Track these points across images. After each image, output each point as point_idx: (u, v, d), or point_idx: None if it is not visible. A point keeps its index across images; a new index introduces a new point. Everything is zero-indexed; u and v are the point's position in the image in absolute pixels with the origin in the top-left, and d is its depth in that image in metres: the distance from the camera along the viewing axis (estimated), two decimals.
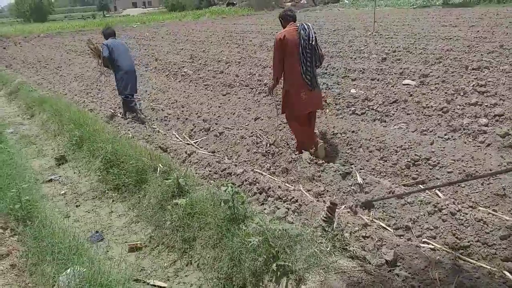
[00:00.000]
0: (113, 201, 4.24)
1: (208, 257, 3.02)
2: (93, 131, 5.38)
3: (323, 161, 4.31)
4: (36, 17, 50.60)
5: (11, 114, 8.11)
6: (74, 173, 5.01)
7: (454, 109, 5.31)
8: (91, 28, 28.89)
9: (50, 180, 4.85)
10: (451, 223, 3.05)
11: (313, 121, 4.77)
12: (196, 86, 8.74)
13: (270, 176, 4.21)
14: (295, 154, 4.51)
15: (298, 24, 4.44)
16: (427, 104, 5.56)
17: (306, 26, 4.35)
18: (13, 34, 26.02)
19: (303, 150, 4.55)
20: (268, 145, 4.85)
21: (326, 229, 2.83)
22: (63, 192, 4.53)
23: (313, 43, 4.34)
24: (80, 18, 49.31)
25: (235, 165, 4.45)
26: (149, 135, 5.66)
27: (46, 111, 7.21)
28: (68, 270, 2.53)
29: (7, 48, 19.95)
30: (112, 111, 7.08)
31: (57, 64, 13.43)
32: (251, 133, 5.51)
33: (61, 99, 7.60)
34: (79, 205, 4.23)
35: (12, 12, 68.77)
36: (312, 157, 4.36)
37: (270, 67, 9.35)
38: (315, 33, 4.38)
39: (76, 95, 8.78)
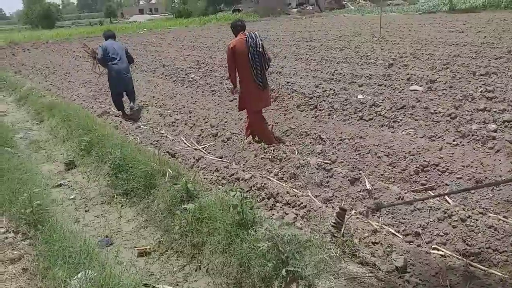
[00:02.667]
0: (122, 206, 4.25)
1: (217, 262, 3.02)
2: (101, 136, 5.42)
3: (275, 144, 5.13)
4: (45, 24, 51.25)
5: (21, 120, 8.20)
6: (83, 178, 5.04)
7: (462, 115, 5.30)
8: (98, 34, 29.14)
9: (60, 185, 4.88)
10: (461, 230, 3.04)
11: None
12: (203, 92, 8.79)
13: (278, 182, 4.22)
14: (247, 139, 5.33)
15: (247, 34, 4.98)
16: (435, 110, 5.55)
17: (253, 35, 4.92)
18: (22, 40, 26.35)
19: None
20: (275, 150, 4.87)
21: (336, 235, 2.83)
22: (72, 197, 4.56)
23: (260, 49, 4.90)
24: (87, 25, 49.85)
25: (243, 171, 4.46)
26: (157, 141, 5.70)
27: (55, 116, 7.28)
28: (79, 274, 2.54)
29: (16, 54, 20.20)
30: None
31: (65, 70, 13.57)
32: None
33: (69, 105, 7.68)
34: (88, 210, 4.25)
35: (21, 19, 69.77)
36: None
37: (276, 73, 9.40)
38: (261, 40, 4.95)
39: (84, 100, 8.86)
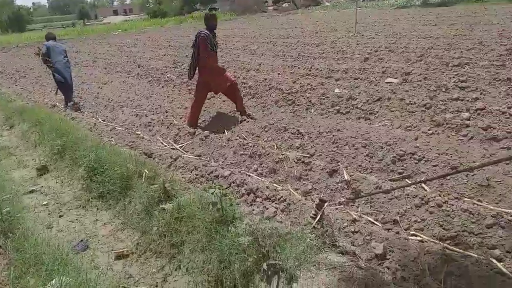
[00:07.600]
0: (97, 209, 4.14)
1: (197, 261, 2.97)
2: (75, 139, 5.26)
3: None
4: (14, 27, 49.70)
5: None
6: (57, 183, 4.88)
7: (437, 105, 5.38)
8: (71, 36, 28.54)
9: (32, 191, 4.71)
10: (438, 215, 3.07)
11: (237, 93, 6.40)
12: (180, 91, 8.67)
13: (257, 177, 4.19)
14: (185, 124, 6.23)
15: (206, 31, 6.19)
16: (410, 101, 5.62)
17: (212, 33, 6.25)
18: None
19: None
20: (254, 146, 4.83)
21: (316, 226, 2.81)
22: (45, 202, 4.40)
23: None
24: (59, 27, 48.53)
25: (222, 168, 4.41)
26: (132, 141, 5.58)
27: (26, 121, 7.04)
28: (53, 281, 2.45)
29: None
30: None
31: (36, 74, 13.19)
32: (237, 135, 5.49)
33: (41, 109, 7.44)
34: (63, 215, 4.11)
35: None
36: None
37: (254, 70, 9.36)
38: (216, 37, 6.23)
39: (56, 104, 8.61)
